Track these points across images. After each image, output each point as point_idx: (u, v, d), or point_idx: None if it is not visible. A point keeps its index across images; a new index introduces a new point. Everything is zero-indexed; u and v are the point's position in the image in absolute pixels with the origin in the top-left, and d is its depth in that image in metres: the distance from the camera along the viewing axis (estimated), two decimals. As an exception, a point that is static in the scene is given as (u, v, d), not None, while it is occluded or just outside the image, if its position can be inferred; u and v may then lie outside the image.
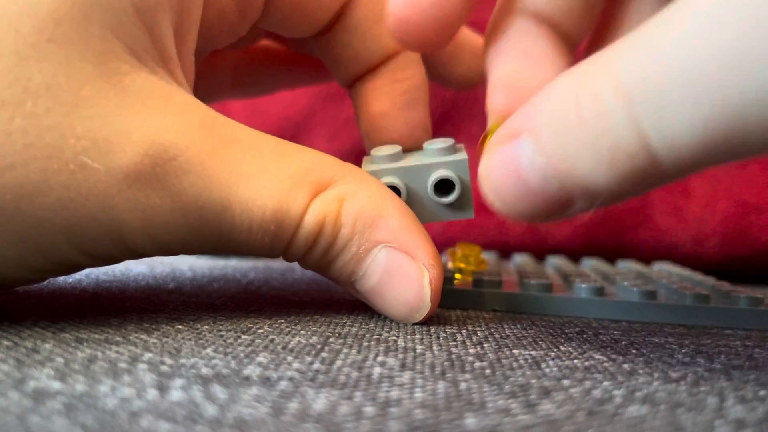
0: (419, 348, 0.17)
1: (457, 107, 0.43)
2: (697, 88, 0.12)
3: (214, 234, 0.17)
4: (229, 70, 0.27)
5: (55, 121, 0.15)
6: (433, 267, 0.19)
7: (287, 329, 0.18)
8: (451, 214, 0.21)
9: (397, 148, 0.21)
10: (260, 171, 0.17)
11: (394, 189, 0.20)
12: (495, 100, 0.19)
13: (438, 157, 0.20)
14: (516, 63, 0.18)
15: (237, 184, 0.17)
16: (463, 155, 0.21)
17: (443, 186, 0.21)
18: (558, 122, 0.14)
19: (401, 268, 0.18)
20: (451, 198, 0.20)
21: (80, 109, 0.15)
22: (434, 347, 0.17)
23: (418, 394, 0.13)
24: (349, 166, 0.19)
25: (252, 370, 0.14)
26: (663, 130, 0.13)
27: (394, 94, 0.23)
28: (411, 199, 0.21)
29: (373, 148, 0.22)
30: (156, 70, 0.17)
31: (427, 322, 0.20)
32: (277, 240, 0.18)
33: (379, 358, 0.15)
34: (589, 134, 0.14)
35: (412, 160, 0.21)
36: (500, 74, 0.19)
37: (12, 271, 0.16)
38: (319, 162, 0.18)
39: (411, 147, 0.23)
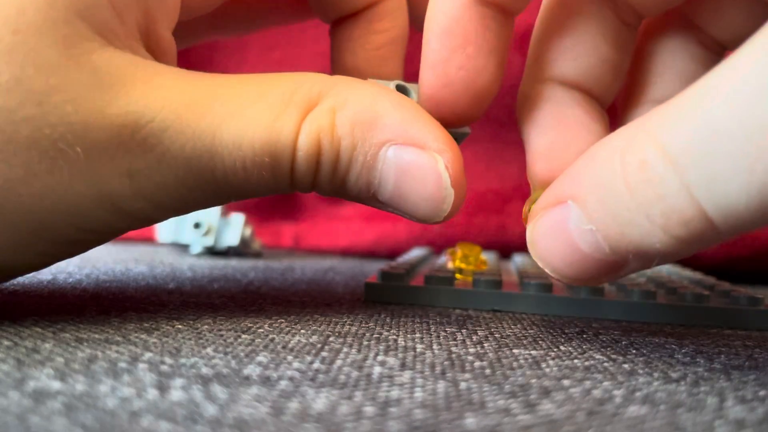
0: (419, 347, 0.17)
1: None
2: (749, 153, 0.12)
3: (209, 183, 0.17)
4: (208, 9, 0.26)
5: (29, 113, 0.15)
6: (445, 151, 0.17)
7: (287, 329, 0.18)
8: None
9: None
10: (243, 107, 0.17)
11: (404, 90, 0.20)
12: (536, 169, 0.19)
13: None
14: (553, 131, 0.19)
15: (220, 128, 0.16)
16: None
17: None
18: (604, 189, 0.14)
19: (413, 162, 0.17)
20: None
21: (51, 97, 0.15)
22: (434, 346, 0.17)
23: (418, 394, 0.13)
24: (337, 77, 0.18)
25: (252, 370, 0.14)
26: (716, 197, 0.13)
27: (369, 48, 0.22)
28: None
29: None
30: (127, 45, 0.17)
31: (428, 321, 0.20)
32: (277, 172, 0.17)
33: (379, 358, 0.15)
34: (638, 201, 0.14)
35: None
36: (538, 144, 0.19)
37: (17, 257, 0.16)
38: (303, 81, 0.17)
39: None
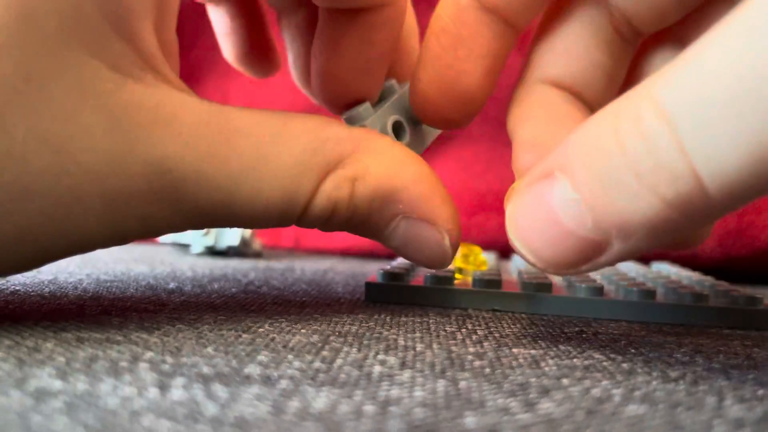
0: (419, 346, 0.17)
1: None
2: (743, 106, 0.12)
3: (216, 223, 0.17)
4: None
5: (46, 163, 0.14)
6: (452, 231, 0.19)
7: (288, 328, 0.18)
8: (421, 145, 0.22)
9: (366, 104, 0.21)
10: (260, 160, 0.17)
11: (400, 126, 0.21)
12: (521, 159, 0.18)
13: (389, 99, 0.22)
14: (541, 125, 0.18)
15: (237, 183, 0.16)
16: (404, 86, 0.22)
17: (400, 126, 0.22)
18: (595, 154, 0.14)
19: (421, 236, 0.18)
20: (405, 140, 0.21)
21: (69, 145, 0.15)
22: (434, 346, 0.17)
23: (418, 393, 0.13)
24: (360, 134, 0.18)
25: (253, 369, 0.14)
26: (709, 155, 0.12)
27: (359, 58, 0.21)
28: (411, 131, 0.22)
29: (342, 113, 0.22)
30: (142, 75, 0.16)
31: (427, 321, 0.20)
32: (284, 220, 0.17)
33: (379, 357, 0.15)
34: (629, 158, 0.13)
35: (387, 100, 0.22)
36: (525, 136, 0.18)
37: (11, 266, 0.16)
38: (326, 137, 0.17)
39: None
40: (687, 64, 0.13)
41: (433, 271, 0.25)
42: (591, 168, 0.14)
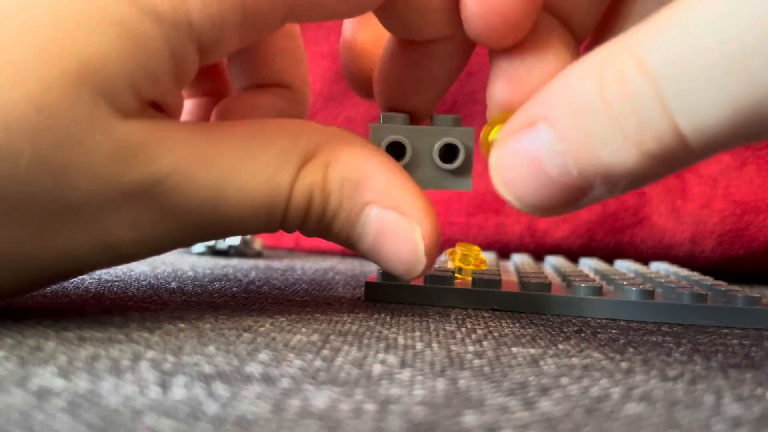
0: (419, 346, 0.17)
1: (457, 105, 0.43)
2: (725, 67, 0.12)
3: (208, 229, 0.18)
4: None
5: (45, 185, 0.15)
6: (424, 221, 0.18)
7: (288, 327, 0.18)
8: (451, 182, 0.21)
9: (405, 115, 0.21)
10: (246, 161, 0.17)
11: (399, 146, 0.20)
12: (496, 89, 0.18)
13: (445, 126, 0.21)
14: (519, 52, 0.18)
15: (225, 182, 0.17)
16: (470, 128, 0.21)
17: (448, 153, 0.21)
18: (579, 105, 0.14)
19: (392, 227, 0.18)
20: (455, 164, 0.21)
21: (69, 172, 0.15)
22: (434, 345, 0.17)
23: (418, 392, 0.13)
24: (334, 130, 0.19)
25: (254, 368, 0.14)
26: (690, 110, 0.13)
27: (423, 78, 0.21)
28: (414, 161, 0.21)
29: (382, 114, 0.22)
30: (142, 112, 0.16)
31: (427, 320, 0.20)
32: (270, 220, 0.18)
33: (380, 356, 0.15)
34: (613, 116, 0.13)
35: (421, 126, 0.21)
36: (501, 63, 0.18)
37: (7, 288, 0.17)
38: (301, 132, 0.18)
39: (417, 118, 0.23)
40: (672, 22, 0.13)
41: (434, 270, 0.25)
42: (575, 121, 0.14)
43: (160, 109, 0.17)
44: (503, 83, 0.18)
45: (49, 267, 0.16)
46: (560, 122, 0.14)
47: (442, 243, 0.43)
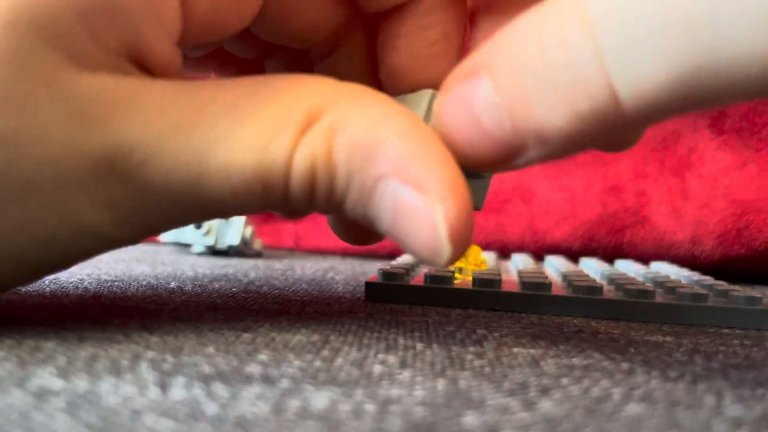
0: (419, 346, 0.17)
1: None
2: (670, 21, 0.11)
3: (196, 208, 0.15)
4: None
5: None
6: (448, 200, 0.14)
7: (288, 327, 0.18)
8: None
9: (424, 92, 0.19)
10: (234, 126, 0.15)
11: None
12: (480, 27, 0.18)
13: None
14: (505, 12, 0.17)
15: (207, 154, 0.15)
16: None
17: None
18: (518, 57, 0.13)
19: (408, 206, 0.15)
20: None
21: (17, 138, 0.14)
22: (434, 345, 0.17)
23: (418, 392, 0.13)
24: (346, 86, 0.16)
25: (253, 369, 0.14)
26: (628, 68, 0.12)
27: (419, 45, 0.19)
28: None
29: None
30: (106, 65, 0.15)
31: (427, 320, 0.20)
32: (269, 197, 0.15)
33: (380, 356, 0.15)
34: (548, 69, 0.13)
35: None
36: (485, 25, 0.18)
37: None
38: (303, 93, 0.15)
39: None
40: None
41: (434, 270, 0.25)
42: (512, 73, 0.13)
43: (147, 70, 0.15)
44: (487, 25, 0.18)
45: (31, 256, 0.15)
46: (499, 72, 0.14)
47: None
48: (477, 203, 0.18)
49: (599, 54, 0.12)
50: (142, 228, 0.16)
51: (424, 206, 0.14)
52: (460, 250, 0.15)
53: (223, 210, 0.16)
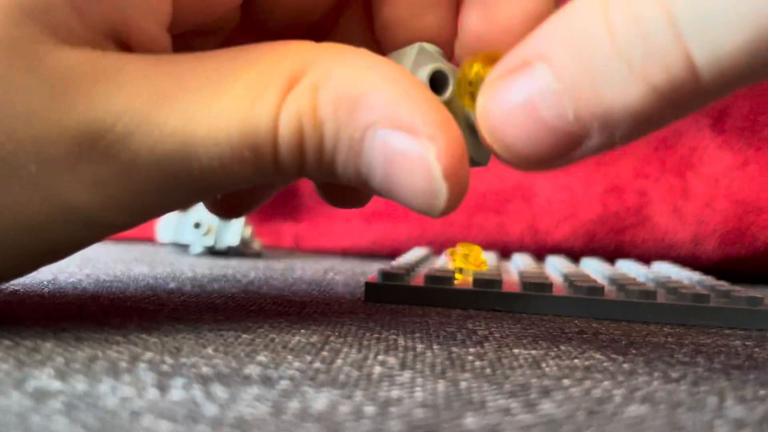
0: (419, 347, 0.17)
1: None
2: None
3: (186, 183, 0.15)
4: None
5: None
6: (437, 137, 0.14)
7: (287, 328, 0.18)
8: (471, 149, 0.17)
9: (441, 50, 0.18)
10: (217, 92, 0.14)
11: (441, 77, 0.17)
12: (469, 18, 0.17)
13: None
14: None
15: (191, 122, 0.14)
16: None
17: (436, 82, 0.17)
18: (580, 38, 0.13)
19: (400, 150, 0.14)
20: (444, 96, 0.17)
21: None
22: (434, 346, 0.17)
23: (418, 393, 0.13)
24: (326, 45, 0.15)
25: (252, 370, 0.14)
26: (705, 35, 0.12)
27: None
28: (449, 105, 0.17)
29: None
30: (88, 41, 0.15)
31: (428, 321, 0.20)
32: (259, 164, 0.15)
33: (380, 357, 0.15)
34: (618, 44, 0.12)
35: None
36: None
37: None
38: (285, 53, 0.15)
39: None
40: None
41: (434, 270, 0.25)
42: (576, 55, 0.13)
43: (132, 51, 0.15)
44: (477, 11, 0.17)
45: (18, 242, 0.15)
46: (559, 59, 0.13)
47: (442, 243, 0.43)
48: (483, 158, 0.18)
49: (674, 23, 0.12)
50: (131, 210, 0.15)
51: (416, 147, 0.14)
52: (457, 190, 0.15)
53: (215, 183, 0.15)
